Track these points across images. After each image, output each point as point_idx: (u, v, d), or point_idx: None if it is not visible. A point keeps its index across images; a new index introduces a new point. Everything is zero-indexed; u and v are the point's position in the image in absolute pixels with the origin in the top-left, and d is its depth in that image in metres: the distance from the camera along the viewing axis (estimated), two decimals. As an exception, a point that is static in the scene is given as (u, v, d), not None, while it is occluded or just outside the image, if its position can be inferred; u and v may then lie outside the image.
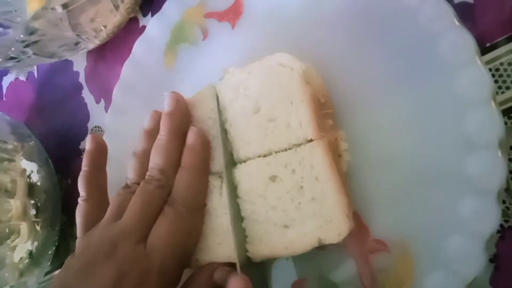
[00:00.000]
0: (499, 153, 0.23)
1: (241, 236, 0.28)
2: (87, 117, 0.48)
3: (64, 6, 0.33)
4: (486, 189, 0.24)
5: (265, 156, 0.27)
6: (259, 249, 0.27)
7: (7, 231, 0.37)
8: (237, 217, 0.28)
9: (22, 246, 0.39)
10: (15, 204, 0.38)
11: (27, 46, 0.34)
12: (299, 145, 0.26)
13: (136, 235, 0.25)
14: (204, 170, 0.29)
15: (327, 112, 0.28)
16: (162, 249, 0.25)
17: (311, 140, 0.26)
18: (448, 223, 0.25)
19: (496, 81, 0.27)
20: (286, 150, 0.27)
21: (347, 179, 0.28)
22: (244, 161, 0.28)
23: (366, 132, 0.28)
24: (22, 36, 0.32)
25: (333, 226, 0.25)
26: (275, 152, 0.27)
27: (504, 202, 0.26)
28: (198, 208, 0.28)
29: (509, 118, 0.27)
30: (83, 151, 0.48)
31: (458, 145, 0.25)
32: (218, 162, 0.29)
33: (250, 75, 0.29)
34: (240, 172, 0.28)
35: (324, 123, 0.28)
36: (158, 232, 0.26)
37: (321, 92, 0.28)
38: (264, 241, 0.26)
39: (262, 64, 0.28)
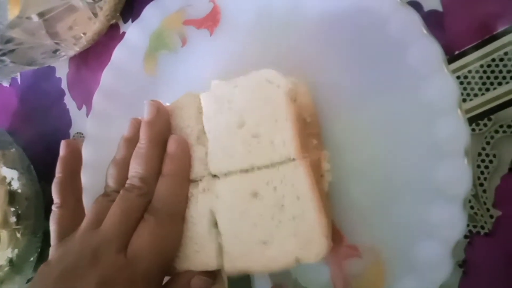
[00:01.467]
0: (465, 161, 0.24)
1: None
2: (69, 123, 0.48)
3: (40, 15, 0.33)
4: (453, 196, 0.24)
5: (247, 171, 0.27)
6: (236, 264, 0.26)
7: (-14, 239, 0.37)
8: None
9: (2, 254, 0.39)
10: (-6, 212, 0.38)
11: (3, 54, 0.34)
12: (281, 163, 0.26)
13: (117, 243, 0.25)
14: (184, 178, 0.29)
15: (312, 132, 0.28)
16: (145, 257, 0.25)
17: (293, 159, 0.26)
18: (417, 229, 0.25)
19: (464, 89, 0.27)
20: (268, 167, 0.27)
21: (328, 198, 0.28)
22: (226, 175, 0.28)
23: (343, 148, 0.28)
24: (-2, 44, 0.32)
25: (312, 246, 0.25)
26: (258, 168, 0.27)
27: (472, 208, 0.27)
28: (179, 216, 0.28)
29: (477, 124, 0.27)
30: (65, 158, 0.48)
31: (426, 153, 0.25)
32: (195, 170, 0.29)
33: (236, 89, 0.29)
34: (222, 187, 0.28)
35: (308, 142, 0.28)
36: (139, 240, 0.26)
37: (308, 110, 0.28)
38: (242, 257, 0.26)
39: (248, 79, 0.28)
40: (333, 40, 0.29)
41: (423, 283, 0.25)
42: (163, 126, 0.30)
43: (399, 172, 0.26)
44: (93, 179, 0.40)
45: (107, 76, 0.40)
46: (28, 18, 0.32)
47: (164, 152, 0.29)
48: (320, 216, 0.25)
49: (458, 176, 0.24)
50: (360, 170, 0.28)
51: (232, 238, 0.27)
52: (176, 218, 0.28)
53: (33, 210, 0.44)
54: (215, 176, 0.29)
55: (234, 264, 0.27)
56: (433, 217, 0.25)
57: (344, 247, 0.28)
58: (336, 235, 0.28)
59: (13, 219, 0.40)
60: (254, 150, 0.27)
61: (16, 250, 0.40)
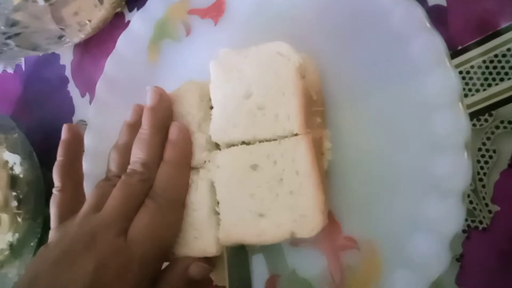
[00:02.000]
0: (465, 155, 0.24)
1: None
2: (72, 110, 0.48)
3: (46, -1, 0.33)
4: (452, 190, 0.24)
5: (249, 143, 0.27)
6: (231, 234, 0.27)
7: (-13, 221, 0.38)
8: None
9: (3, 238, 0.39)
10: (-5, 196, 0.38)
11: (9, 38, 0.34)
12: (284, 137, 0.26)
13: (117, 227, 0.25)
14: (185, 165, 0.29)
15: (317, 110, 0.28)
16: (143, 241, 0.25)
17: (296, 134, 0.26)
18: (414, 222, 0.25)
19: (466, 84, 0.28)
20: (270, 140, 0.27)
21: (326, 177, 0.28)
22: (228, 146, 0.28)
23: (344, 131, 0.28)
24: (3, 27, 0.32)
25: (307, 220, 0.25)
26: (259, 141, 0.27)
27: (471, 202, 0.27)
28: (179, 202, 0.28)
29: (478, 120, 0.27)
30: (67, 144, 0.48)
31: (426, 146, 0.25)
32: (196, 157, 0.29)
33: (246, 59, 0.29)
34: (222, 157, 0.28)
35: (313, 120, 0.28)
36: (139, 224, 0.26)
37: (315, 88, 0.28)
38: (238, 227, 0.27)
39: (259, 50, 0.28)
40: (336, 29, 0.29)
41: (420, 276, 0.25)
42: (165, 112, 0.30)
43: (398, 164, 0.26)
44: (94, 166, 0.40)
45: (111, 64, 0.40)
46: (34, 1, 0.32)
47: (166, 138, 0.29)
48: (317, 192, 0.25)
49: (457, 170, 0.24)
50: (359, 159, 0.28)
51: (229, 208, 0.27)
52: (176, 204, 0.28)
53: (33, 196, 0.44)
54: (216, 147, 0.29)
55: (229, 233, 0.27)
56: (431, 211, 0.25)
57: (342, 238, 0.28)
58: (334, 225, 0.28)
59: (14, 203, 0.41)
60: (258, 121, 0.27)
61: (16, 234, 0.41)
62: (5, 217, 0.39)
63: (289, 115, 0.26)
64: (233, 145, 0.28)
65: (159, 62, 0.39)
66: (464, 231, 0.27)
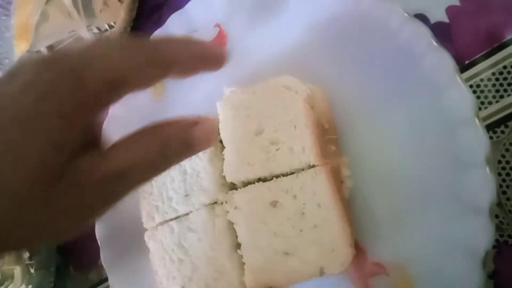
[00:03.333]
0: (487, 170, 0.24)
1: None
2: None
3: (49, 48, 0.33)
4: (479, 207, 0.24)
5: (265, 179, 0.27)
6: (258, 277, 0.26)
7: (0, 277, 0.36)
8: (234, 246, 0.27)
9: (17, 291, 0.38)
10: (7, 249, 0.37)
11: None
12: (301, 170, 0.26)
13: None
14: None
15: (330, 138, 0.28)
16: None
17: (313, 166, 0.25)
18: (444, 243, 0.25)
19: (478, 97, 0.28)
20: (288, 174, 0.26)
21: (349, 206, 0.28)
22: (244, 184, 0.28)
23: (362, 156, 0.28)
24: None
25: (335, 255, 0.24)
26: (276, 177, 0.26)
27: (497, 216, 0.27)
28: None
29: (494, 132, 0.27)
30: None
31: (448, 165, 0.25)
32: (209, 193, 0.29)
33: (254, 95, 0.29)
34: (240, 197, 0.27)
35: (327, 148, 0.27)
36: None
37: (326, 116, 0.28)
38: (264, 269, 0.26)
39: (266, 86, 0.28)
40: (342, 54, 0.29)
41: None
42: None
43: (420, 184, 0.26)
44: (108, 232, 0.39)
45: (116, 105, 0.40)
46: (38, 51, 0.32)
47: None
48: (342, 224, 0.24)
49: (481, 186, 0.24)
50: (379, 182, 0.27)
51: (252, 250, 0.26)
52: None
53: (44, 245, 0.43)
54: (232, 188, 0.28)
55: (255, 277, 0.26)
56: (459, 229, 0.24)
57: (369, 264, 0.27)
58: (358, 252, 0.27)
59: (26, 254, 0.40)
60: (273, 157, 0.27)
61: (30, 286, 0.39)
62: (17, 270, 0.38)
63: (304, 147, 0.26)
64: (250, 183, 0.28)
65: (164, 98, 0.39)
66: (493, 246, 0.26)
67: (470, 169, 0.24)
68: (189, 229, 0.30)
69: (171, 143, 0.20)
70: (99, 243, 0.39)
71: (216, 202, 0.29)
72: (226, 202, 0.28)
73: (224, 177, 0.29)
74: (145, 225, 0.34)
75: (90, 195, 0.18)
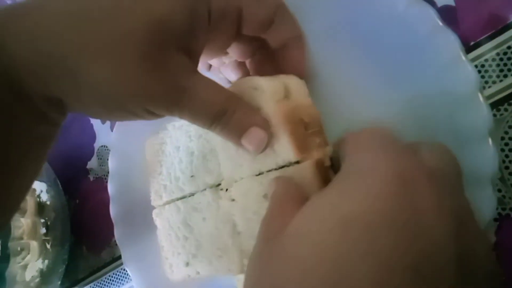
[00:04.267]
0: (490, 142, 0.25)
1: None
2: (93, 137, 0.49)
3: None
4: (481, 179, 0.25)
5: (257, 175, 0.27)
6: None
7: (18, 248, 0.38)
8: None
9: (33, 264, 0.39)
10: (25, 222, 0.39)
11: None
12: (287, 166, 0.26)
13: None
14: None
15: (314, 131, 0.28)
16: None
17: (297, 162, 0.25)
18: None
19: (482, 77, 0.29)
20: (277, 169, 0.26)
21: None
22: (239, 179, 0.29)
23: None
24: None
25: None
26: (266, 172, 0.27)
27: (500, 191, 0.27)
28: None
29: (497, 110, 0.28)
30: (90, 171, 0.49)
31: (452, 140, 0.26)
32: (215, 175, 0.30)
33: None
34: (235, 190, 0.28)
35: (309, 141, 0.27)
36: None
37: (306, 110, 0.27)
38: None
39: (236, 89, 0.27)
40: (352, 34, 0.30)
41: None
42: None
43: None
44: (119, 188, 0.41)
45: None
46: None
47: None
48: None
49: (484, 158, 0.25)
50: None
51: (249, 239, 0.27)
52: None
53: (60, 222, 0.44)
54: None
55: None
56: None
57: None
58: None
59: (42, 230, 0.41)
60: (259, 157, 0.27)
61: (46, 261, 0.41)
62: (34, 244, 0.40)
63: (283, 145, 0.25)
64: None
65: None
66: (495, 219, 0.27)
67: (473, 143, 0.25)
68: (194, 209, 0.31)
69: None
70: (113, 221, 0.40)
71: (220, 184, 0.30)
72: (226, 190, 0.29)
73: None
74: (153, 203, 0.35)
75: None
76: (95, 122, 0.50)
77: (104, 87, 0.20)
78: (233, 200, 0.28)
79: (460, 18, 0.29)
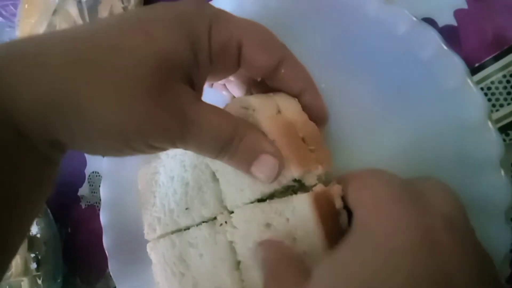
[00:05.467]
0: (502, 173, 0.23)
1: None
2: (84, 163, 0.48)
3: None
4: (494, 210, 0.24)
5: (259, 201, 0.26)
6: None
7: (8, 289, 0.36)
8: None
9: (24, 303, 0.38)
10: (15, 261, 0.37)
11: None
12: (289, 187, 0.25)
13: None
14: None
15: (311, 149, 0.26)
16: None
17: (299, 181, 0.24)
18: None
19: (489, 100, 0.27)
20: (280, 192, 0.25)
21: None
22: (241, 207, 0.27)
23: (371, 163, 0.26)
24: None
25: None
26: (269, 199, 0.25)
27: (512, 220, 0.26)
28: None
29: (506, 135, 0.27)
30: (82, 199, 0.47)
31: (462, 169, 0.25)
32: (211, 208, 0.29)
33: None
34: (236, 218, 0.27)
35: (307, 157, 0.25)
36: None
37: (302, 125, 0.26)
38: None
39: (229, 110, 0.26)
40: (353, 57, 0.29)
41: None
42: None
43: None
44: (112, 218, 0.40)
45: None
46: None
47: None
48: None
49: (496, 189, 0.24)
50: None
51: (250, 269, 0.26)
52: None
53: (52, 254, 0.43)
54: (232, 212, 0.28)
55: None
56: (480, 231, 0.24)
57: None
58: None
59: (33, 265, 0.39)
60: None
61: (37, 298, 0.39)
62: (25, 282, 0.38)
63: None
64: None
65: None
66: (510, 250, 0.26)
67: (484, 173, 0.24)
68: (190, 244, 0.30)
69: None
70: (107, 254, 0.38)
71: (216, 218, 0.29)
72: (226, 223, 0.28)
73: None
74: (147, 237, 0.34)
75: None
76: (86, 147, 0.48)
77: (109, 126, 0.20)
78: (234, 227, 0.27)
79: (462, 38, 0.28)
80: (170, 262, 0.31)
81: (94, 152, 0.24)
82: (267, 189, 0.25)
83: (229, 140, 0.23)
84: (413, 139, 0.26)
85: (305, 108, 0.26)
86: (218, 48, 0.23)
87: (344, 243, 0.19)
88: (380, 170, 0.21)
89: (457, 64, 0.25)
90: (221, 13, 0.24)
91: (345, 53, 0.29)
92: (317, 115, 0.27)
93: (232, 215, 0.27)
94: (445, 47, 0.25)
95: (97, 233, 0.39)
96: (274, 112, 0.25)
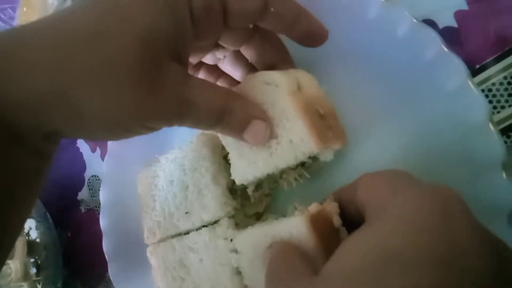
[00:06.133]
0: (504, 175, 0.23)
1: None
2: (83, 166, 0.48)
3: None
4: (497, 212, 0.24)
5: (273, 175, 0.26)
6: None
7: (7, 294, 0.36)
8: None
9: (24, 309, 0.37)
10: (14, 266, 0.37)
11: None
12: (304, 161, 0.25)
13: None
14: None
15: (330, 125, 0.27)
16: None
17: (313, 157, 0.25)
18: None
19: (490, 101, 0.27)
20: (294, 166, 0.26)
21: None
22: (253, 184, 0.28)
23: (372, 165, 0.26)
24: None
25: None
26: (270, 220, 0.26)
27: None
28: None
29: (507, 137, 0.27)
30: (81, 203, 0.47)
31: (464, 172, 0.25)
32: (213, 211, 0.28)
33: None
34: (241, 241, 0.27)
35: (326, 134, 0.26)
36: None
37: (320, 101, 0.27)
38: None
39: (247, 86, 0.27)
40: (354, 58, 0.29)
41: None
42: None
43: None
44: (112, 222, 0.39)
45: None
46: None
47: None
48: None
49: (499, 191, 0.23)
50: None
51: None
52: None
53: (52, 259, 0.42)
54: (233, 199, 0.28)
55: None
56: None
57: None
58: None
59: (33, 270, 0.39)
60: (275, 151, 0.26)
61: (37, 303, 0.39)
62: (25, 287, 0.38)
63: (302, 137, 0.24)
64: (260, 181, 0.27)
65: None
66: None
67: (486, 176, 0.24)
68: (191, 249, 0.30)
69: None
70: (106, 258, 0.38)
71: (217, 221, 0.29)
72: (231, 240, 0.28)
73: (226, 196, 0.29)
74: (146, 241, 0.34)
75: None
76: (85, 151, 0.48)
77: (104, 112, 0.20)
78: (239, 251, 0.27)
79: (463, 40, 0.28)
80: (171, 266, 0.31)
81: (90, 138, 0.24)
82: (283, 163, 0.25)
83: (222, 112, 0.23)
84: (414, 140, 0.26)
85: (304, 33, 0.26)
86: (200, 11, 0.22)
87: (357, 231, 0.19)
88: (384, 170, 0.22)
89: (458, 65, 0.25)
90: None
91: (346, 55, 0.29)
92: (317, 34, 0.26)
93: (236, 237, 0.27)
94: (445, 49, 0.25)
95: (97, 237, 0.39)
96: (295, 88, 0.26)
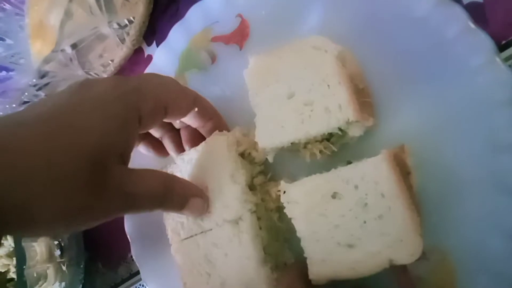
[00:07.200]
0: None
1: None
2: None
3: (73, 46, 0.33)
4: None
5: (300, 143, 0.27)
6: (322, 270, 0.25)
7: (35, 275, 0.37)
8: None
9: (51, 289, 0.39)
10: (39, 248, 0.38)
11: (39, 89, 0.34)
12: (331, 134, 0.26)
13: None
14: None
15: (365, 101, 0.27)
16: None
17: (341, 130, 0.25)
18: (486, 224, 0.25)
19: (515, 78, 0.27)
20: (325, 135, 0.26)
21: (419, 196, 0.26)
22: (276, 150, 0.28)
23: (400, 139, 0.27)
24: (34, 80, 0.32)
25: (404, 246, 0.23)
26: (335, 168, 0.25)
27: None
28: None
29: (533, 113, 0.26)
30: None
31: (487, 147, 0.25)
32: (234, 209, 0.28)
33: (281, 60, 0.28)
34: (296, 191, 0.26)
35: (362, 106, 0.26)
36: None
37: (359, 77, 0.27)
38: (327, 262, 0.25)
39: (293, 49, 0.27)
40: (380, 36, 0.29)
41: (501, 280, 0.24)
42: None
43: (460, 167, 0.25)
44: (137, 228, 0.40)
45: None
46: (62, 50, 0.32)
47: None
48: (410, 213, 0.23)
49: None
50: (419, 166, 0.26)
51: (313, 244, 0.25)
52: None
53: (74, 241, 0.43)
54: (253, 195, 0.28)
55: (318, 271, 0.25)
56: (501, 211, 0.24)
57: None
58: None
59: (57, 252, 0.40)
60: (308, 118, 0.26)
61: (63, 284, 0.40)
62: (50, 268, 0.39)
63: (340, 104, 0.25)
64: (283, 147, 0.27)
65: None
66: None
67: (507, 151, 0.24)
68: (214, 245, 0.29)
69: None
70: (129, 238, 0.39)
71: (240, 218, 0.28)
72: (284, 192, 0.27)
73: (246, 193, 0.28)
74: (171, 241, 0.33)
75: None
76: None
77: (56, 217, 0.22)
78: (292, 202, 0.26)
79: (489, 15, 0.28)
80: (196, 263, 0.31)
81: (41, 236, 0.26)
82: (314, 130, 0.26)
83: (163, 196, 0.26)
84: (439, 117, 0.26)
85: (212, 130, 0.32)
86: (147, 117, 0.26)
87: None
88: None
89: (484, 41, 0.24)
90: (141, 82, 0.26)
91: (370, 33, 0.29)
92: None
93: (290, 188, 0.27)
94: (471, 25, 0.25)
95: (118, 219, 0.40)
96: (341, 56, 0.27)
